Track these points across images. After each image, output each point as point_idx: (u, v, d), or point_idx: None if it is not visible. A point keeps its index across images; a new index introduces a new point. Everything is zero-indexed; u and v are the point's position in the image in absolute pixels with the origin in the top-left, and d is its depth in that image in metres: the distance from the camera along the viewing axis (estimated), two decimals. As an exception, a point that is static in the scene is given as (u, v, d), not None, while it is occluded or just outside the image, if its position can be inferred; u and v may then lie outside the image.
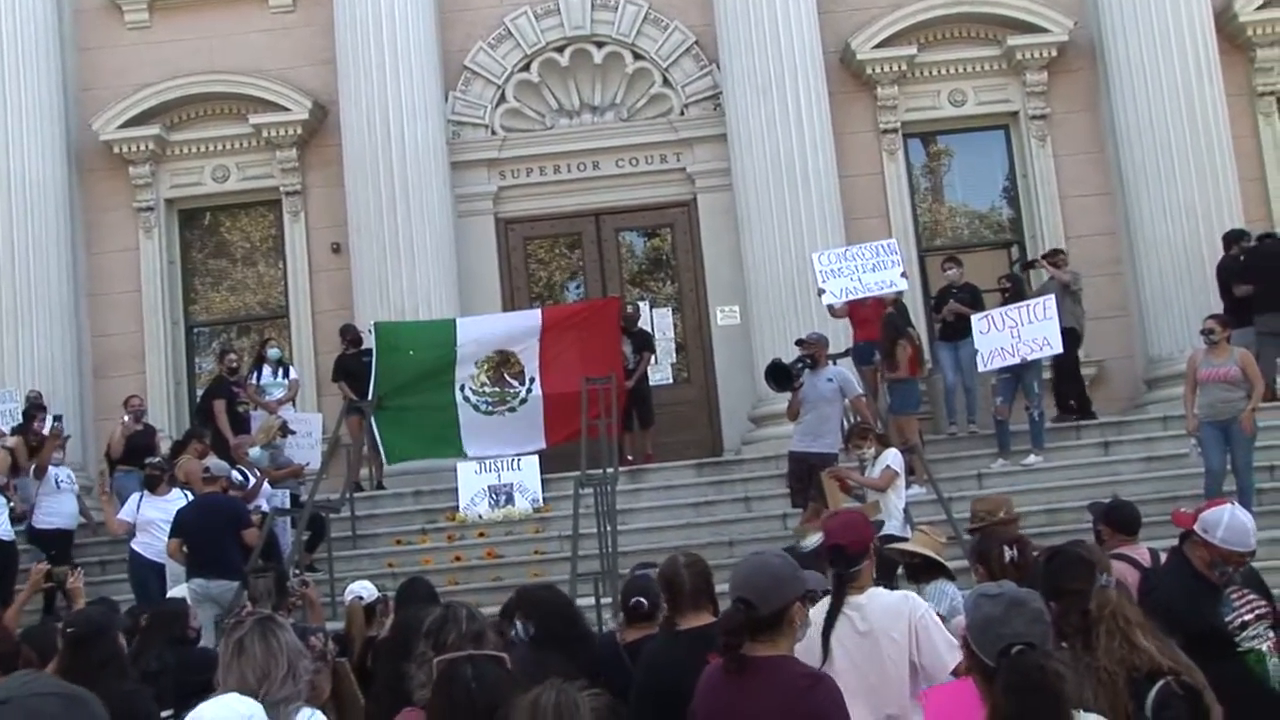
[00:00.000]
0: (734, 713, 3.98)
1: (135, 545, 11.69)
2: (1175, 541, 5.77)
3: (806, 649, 4.66)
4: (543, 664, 5.04)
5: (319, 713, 4.16)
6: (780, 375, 11.56)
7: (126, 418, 13.89)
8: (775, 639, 4.03)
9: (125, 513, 11.89)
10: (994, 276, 15.28)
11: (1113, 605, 4.13)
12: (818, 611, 4.89)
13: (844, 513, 5.54)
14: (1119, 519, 6.88)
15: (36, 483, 12.93)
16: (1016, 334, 12.91)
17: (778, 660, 4.00)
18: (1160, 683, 3.91)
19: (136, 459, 13.19)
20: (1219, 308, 13.40)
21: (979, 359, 13.22)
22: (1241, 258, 14.04)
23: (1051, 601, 4.47)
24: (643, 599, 6.11)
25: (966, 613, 3.63)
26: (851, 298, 13.49)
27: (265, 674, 3.87)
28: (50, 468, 13.04)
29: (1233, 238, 14.36)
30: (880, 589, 4.88)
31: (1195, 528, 5.51)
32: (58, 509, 12.81)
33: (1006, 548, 5.62)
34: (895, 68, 16.29)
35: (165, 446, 14.01)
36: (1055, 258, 14.92)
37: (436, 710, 3.45)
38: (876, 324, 13.49)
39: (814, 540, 9.74)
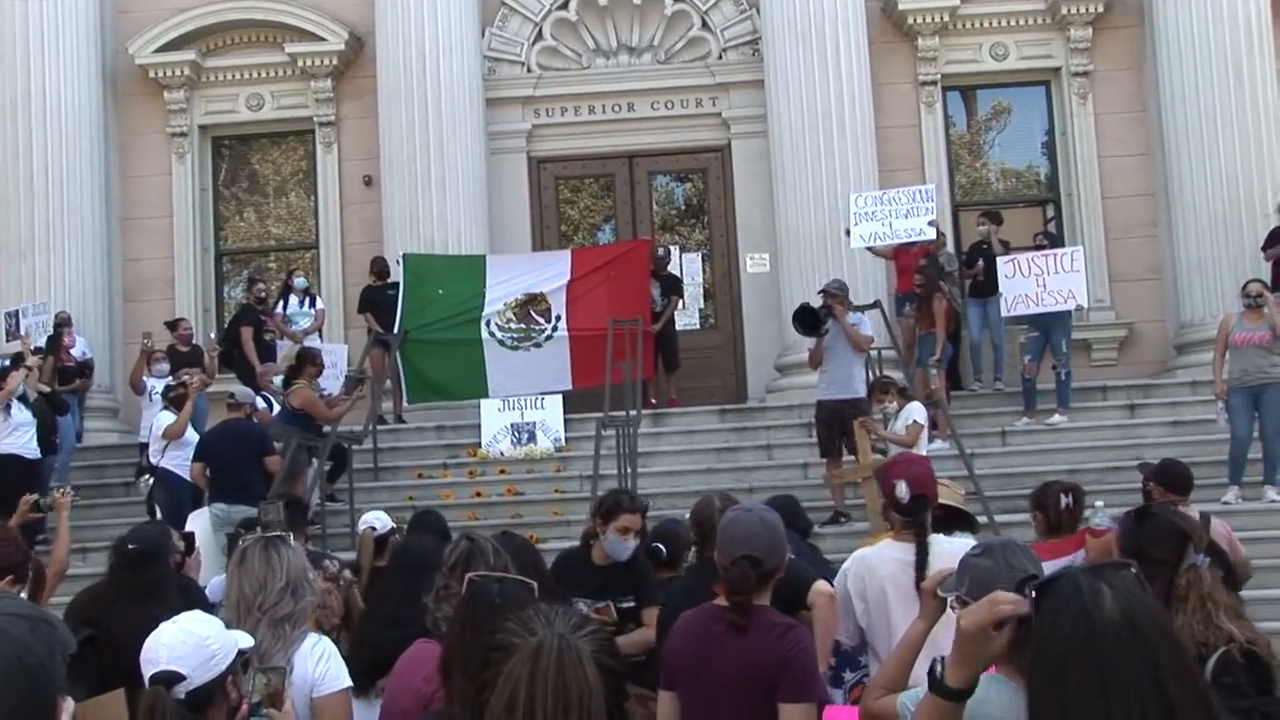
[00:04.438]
0: (710, 659, 4.08)
1: (170, 465, 11.72)
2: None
3: (887, 597, 4.73)
4: None
5: (326, 639, 4.18)
6: (808, 319, 11.45)
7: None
8: (764, 591, 4.15)
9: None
10: (1029, 234, 15.16)
11: (1205, 588, 3.89)
12: (877, 552, 4.92)
13: (913, 462, 5.31)
14: (1172, 478, 6.77)
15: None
16: (1042, 283, 12.78)
17: (757, 608, 4.11)
18: (1221, 649, 3.75)
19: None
20: (1255, 275, 13.21)
21: (1002, 303, 13.08)
22: None
23: (1135, 561, 4.40)
24: (661, 545, 6.15)
25: (962, 582, 3.52)
26: (879, 243, 13.39)
27: (262, 585, 3.94)
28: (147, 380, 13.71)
29: None
30: (940, 535, 4.91)
31: None
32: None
33: (1063, 495, 5.67)
34: (937, 19, 16.07)
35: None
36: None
37: (457, 621, 3.46)
38: (912, 275, 13.42)
39: None
